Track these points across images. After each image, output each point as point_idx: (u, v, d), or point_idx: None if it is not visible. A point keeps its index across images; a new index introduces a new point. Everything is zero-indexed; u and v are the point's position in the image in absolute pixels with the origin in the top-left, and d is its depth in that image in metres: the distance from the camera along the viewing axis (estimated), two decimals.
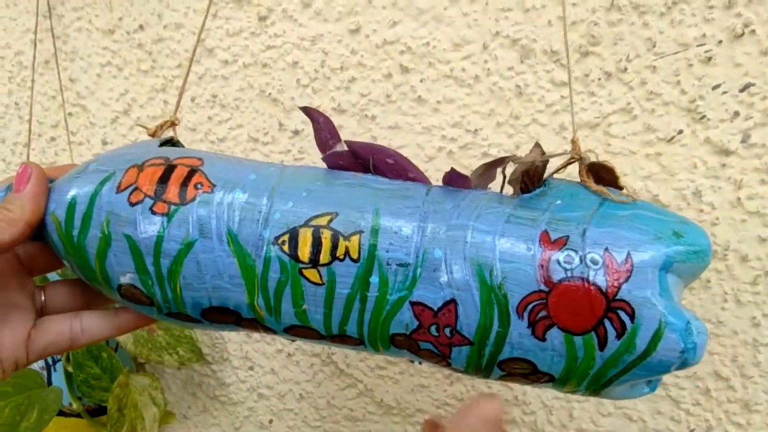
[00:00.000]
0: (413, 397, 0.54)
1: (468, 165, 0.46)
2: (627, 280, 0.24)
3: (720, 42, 0.38)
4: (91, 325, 0.31)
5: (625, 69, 0.40)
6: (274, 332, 0.29)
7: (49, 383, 0.57)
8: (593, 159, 0.28)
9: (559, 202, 0.26)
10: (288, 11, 0.48)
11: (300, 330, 0.28)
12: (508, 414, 0.29)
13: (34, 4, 0.57)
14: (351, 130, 0.49)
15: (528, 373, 0.26)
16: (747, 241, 0.41)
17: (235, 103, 0.53)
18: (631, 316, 0.24)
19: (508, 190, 0.29)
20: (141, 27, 0.54)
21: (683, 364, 0.24)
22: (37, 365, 0.57)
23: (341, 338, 0.28)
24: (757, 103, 0.38)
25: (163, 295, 0.28)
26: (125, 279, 0.28)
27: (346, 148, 0.29)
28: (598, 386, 0.26)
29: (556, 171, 0.29)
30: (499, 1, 0.42)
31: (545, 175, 0.28)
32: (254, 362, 0.59)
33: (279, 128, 0.52)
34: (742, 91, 0.38)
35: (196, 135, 0.55)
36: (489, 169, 0.29)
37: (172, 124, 0.34)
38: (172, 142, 0.34)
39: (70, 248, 0.28)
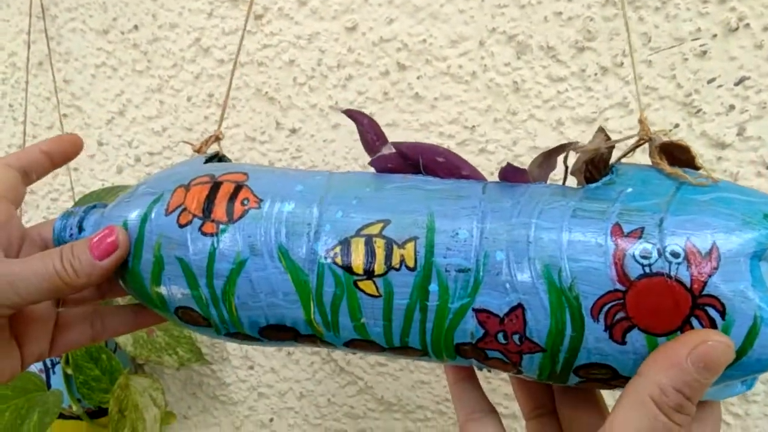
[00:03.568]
0: (413, 394, 0.54)
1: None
2: (714, 272, 0.21)
3: (715, 36, 0.38)
4: (112, 323, 0.32)
5: (621, 64, 0.41)
6: (334, 346, 0.28)
7: (49, 386, 0.57)
8: (664, 138, 0.25)
9: (630, 189, 0.24)
10: (284, 9, 0.48)
11: (360, 343, 0.27)
12: None
13: (27, 5, 0.57)
14: (349, 129, 0.49)
15: (608, 378, 0.24)
16: None
17: (232, 102, 0.53)
18: (722, 313, 0.21)
19: (571, 181, 0.27)
20: (135, 27, 0.54)
21: None
22: (35, 367, 0.56)
23: (404, 350, 0.27)
24: (752, 96, 0.38)
25: (219, 316, 0.27)
26: (182, 302, 0.28)
27: (393, 150, 0.28)
28: None
29: (624, 155, 0.26)
30: None
31: (612, 161, 0.26)
32: (254, 361, 0.59)
33: (276, 127, 0.52)
34: (737, 84, 0.39)
35: (193, 135, 0.55)
36: (548, 158, 0.27)
37: (217, 138, 0.34)
38: (218, 157, 0.33)
39: (125, 274, 0.28)
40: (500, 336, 0.24)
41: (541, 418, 0.31)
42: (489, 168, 0.46)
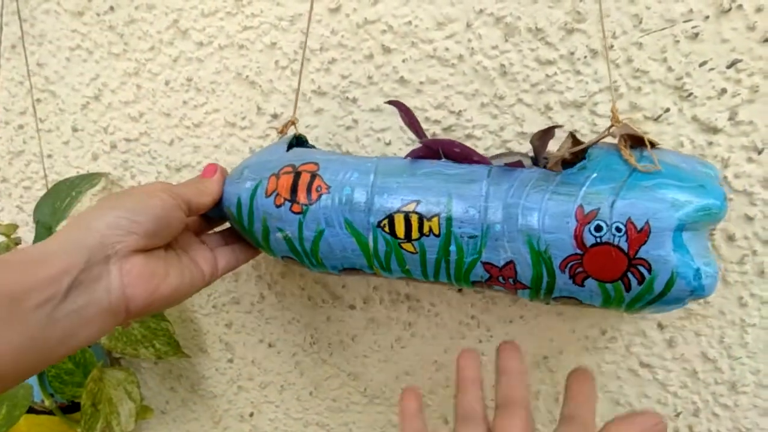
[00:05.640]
0: (397, 386, 0.53)
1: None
2: (645, 243, 0.31)
3: (707, 17, 0.37)
4: (242, 251, 0.44)
5: (612, 46, 0.40)
6: (390, 277, 0.39)
7: None
8: (629, 125, 0.33)
9: (594, 175, 0.32)
10: None
11: (408, 279, 0.39)
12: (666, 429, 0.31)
13: None
14: (332, 113, 0.48)
15: (576, 304, 0.35)
16: (734, 220, 0.40)
17: (211, 86, 0.51)
18: (649, 269, 0.31)
19: None
20: (111, 8, 0.52)
21: (695, 299, 0.32)
22: None
23: (438, 282, 0.38)
24: (745, 79, 0.38)
25: (310, 262, 0.40)
26: (285, 253, 0.40)
27: (421, 145, 0.38)
28: (631, 310, 0.34)
29: (598, 140, 0.34)
30: None
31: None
32: (234, 354, 0.58)
33: (257, 112, 0.50)
34: (729, 67, 0.38)
35: (171, 120, 0.53)
36: (546, 133, 0.35)
37: (293, 123, 0.44)
38: (297, 138, 0.43)
39: (244, 231, 0.41)
40: (500, 278, 0.35)
41: None
42: None
